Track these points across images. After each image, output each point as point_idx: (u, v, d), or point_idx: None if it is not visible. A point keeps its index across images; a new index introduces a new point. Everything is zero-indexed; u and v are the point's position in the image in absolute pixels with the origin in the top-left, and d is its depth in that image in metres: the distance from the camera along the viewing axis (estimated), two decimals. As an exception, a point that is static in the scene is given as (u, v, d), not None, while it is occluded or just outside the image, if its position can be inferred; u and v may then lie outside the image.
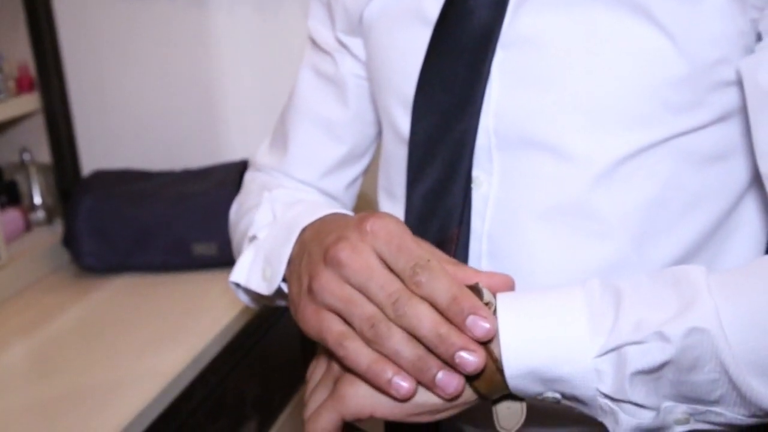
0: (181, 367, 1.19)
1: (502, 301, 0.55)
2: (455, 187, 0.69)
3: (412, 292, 0.54)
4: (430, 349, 0.53)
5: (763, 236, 0.72)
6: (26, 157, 1.73)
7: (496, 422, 0.57)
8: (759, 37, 0.63)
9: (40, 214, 1.73)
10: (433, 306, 0.53)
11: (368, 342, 0.54)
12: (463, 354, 0.52)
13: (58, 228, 1.71)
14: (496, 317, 0.54)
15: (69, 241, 1.58)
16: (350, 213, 0.69)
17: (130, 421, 1.06)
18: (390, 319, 0.54)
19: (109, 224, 1.56)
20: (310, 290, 0.58)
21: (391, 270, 0.55)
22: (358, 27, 0.80)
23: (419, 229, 0.71)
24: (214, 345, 1.29)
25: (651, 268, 0.67)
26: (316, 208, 0.68)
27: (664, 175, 0.66)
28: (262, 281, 0.70)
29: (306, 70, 0.87)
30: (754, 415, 0.52)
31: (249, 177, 0.92)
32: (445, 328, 0.52)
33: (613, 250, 0.67)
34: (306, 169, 0.87)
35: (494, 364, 0.54)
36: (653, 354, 0.51)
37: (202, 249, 1.55)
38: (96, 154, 1.79)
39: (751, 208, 0.71)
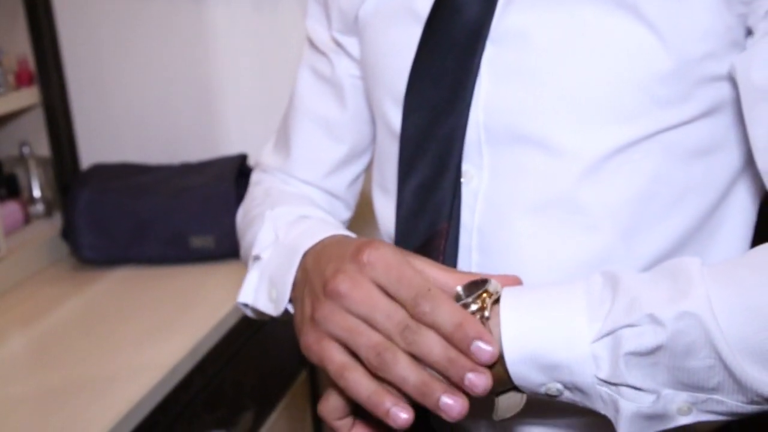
0: (179, 357, 1.20)
1: (506, 293, 0.57)
2: (445, 181, 0.69)
3: (424, 318, 0.55)
4: (440, 373, 0.55)
5: (750, 230, 0.73)
6: (26, 150, 1.73)
7: (494, 412, 0.58)
8: (749, 32, 0.63)
9: (40, 207, 1.74)
10: (438, 333, 0.55)
11: (375, 369, 0.56)
12: (472, 376, 0.53)
13: (57, 221, 1.72)
14: (498, 307, 0.55)
15: (68, 233, 1.59)
16: (349, 233, 0.70)
17: (129, 410, 1.07)
18: (399, 347, 0.55)
19: (107, 217, 1.56)
20: (313, 319, 0.59)
21: (392, 299, 0.57)
22: (354, 26, 0.80)
23: (410, 224, 0.72)
24: (211, 336, 1.30)
25: (639, 262, 0.68)
26: (317, 229, 0.70)
27: (651, 169, 0.67)
28: (269, 302, 0.72)
29: (304, 70, 0.88)
30: (753, 402, 0.53)
31: (255, 178, 0.94)
32: (454, 353, 0.54)
33: (601, 243, 0.68)
34: (309, 170, 0.88)
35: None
36: (646, 337, 0.52)
37: (199, 242, 1.56)
38: (95, 148, 1.80)
39: (737, 202, 0.71)
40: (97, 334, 1.30)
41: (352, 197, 0.92)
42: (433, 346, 0.54)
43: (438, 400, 0.54)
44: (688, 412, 0.54)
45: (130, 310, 1.39)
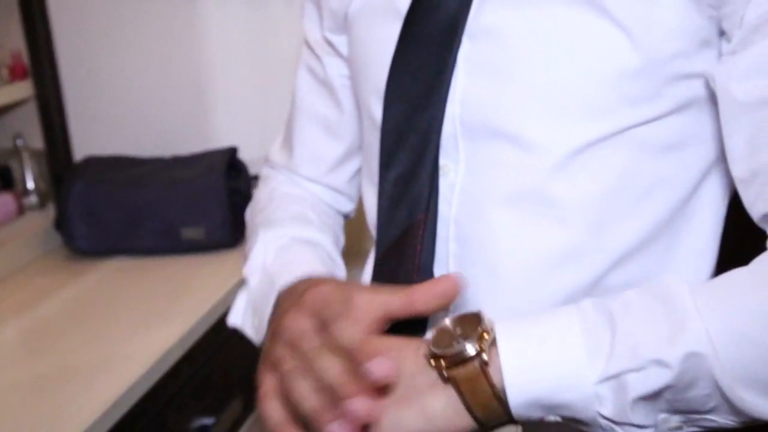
0: (169, 346, 1.21)
1: (501, 331, 0.56)
2: (423, 173, 0.71)
3: (329, 341, 0.58)
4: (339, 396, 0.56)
5: (720, 224, 0.74)
6: (19, 142, 1.74)
7: None
8: (722, 33, 0.64)
9: (33, 199, 1.75)
10: (341, 357, 0.57)
11: (286, 395, 0.59)
12: (353, 401, 0.54)
13: (50, 212, 1.72)
14: (495, 348, 0.55)
15: (61, 224, 1.60)
16: (323, 274, 0.74)
17: (118, 398, 1.08)
18: (311, 372, 0.58)
19: (100, 208, 1.57)
20: (265, 352, 0.65)
21: (323, 326, 0.60)
22: (344, 25, 0.82)
23: (390, 213, 0.74)
24: (201, 325, 1.31)
25: (610, 254, 0.70)
26: (297, 263, 0.76)
27: (620, 164, 0.68)
28: (253, 330, 0.78)
29: (303, 70, 0.91)
30: (743, 421, 0.54)
31: (264, 173, 0.98)
32: (344, 378, 0.56)
33: (572, 235, 0.69)
34: (311, 168, 0.91)
35: (492, 391, 0.54)
36: (652, 380, 0.52)
37: (190, 233, 1.57)
38: (88, 141, 1.81)
39: (707, 196, 0.72)
40: (89, 324, 1.31)
41: (355, 190, 0.95)
42: (328, 369, 0.57)
43: (323, 427, 0.56)
44: (679, 428, 0.56)
45: (121, 300, 1.40)
